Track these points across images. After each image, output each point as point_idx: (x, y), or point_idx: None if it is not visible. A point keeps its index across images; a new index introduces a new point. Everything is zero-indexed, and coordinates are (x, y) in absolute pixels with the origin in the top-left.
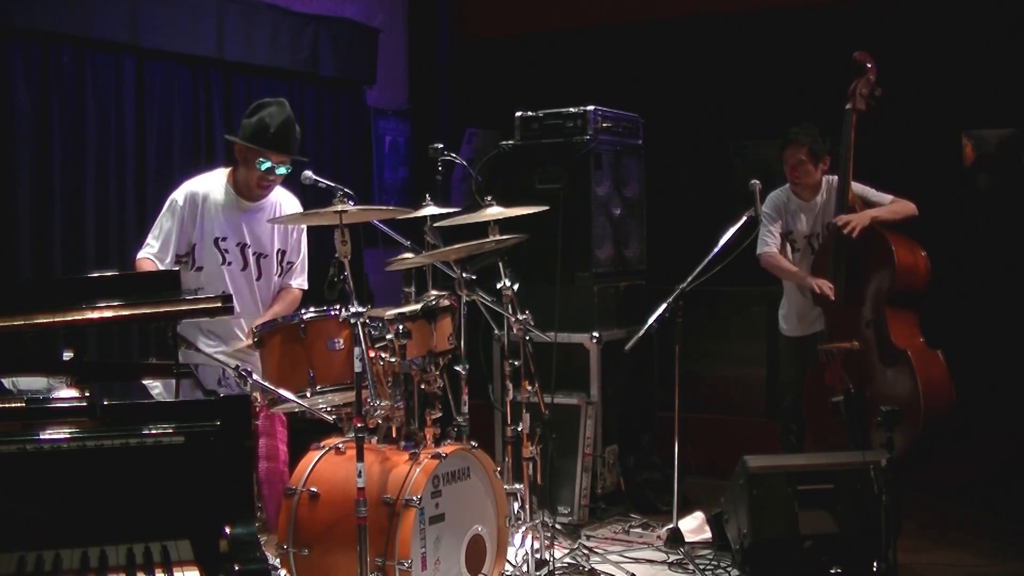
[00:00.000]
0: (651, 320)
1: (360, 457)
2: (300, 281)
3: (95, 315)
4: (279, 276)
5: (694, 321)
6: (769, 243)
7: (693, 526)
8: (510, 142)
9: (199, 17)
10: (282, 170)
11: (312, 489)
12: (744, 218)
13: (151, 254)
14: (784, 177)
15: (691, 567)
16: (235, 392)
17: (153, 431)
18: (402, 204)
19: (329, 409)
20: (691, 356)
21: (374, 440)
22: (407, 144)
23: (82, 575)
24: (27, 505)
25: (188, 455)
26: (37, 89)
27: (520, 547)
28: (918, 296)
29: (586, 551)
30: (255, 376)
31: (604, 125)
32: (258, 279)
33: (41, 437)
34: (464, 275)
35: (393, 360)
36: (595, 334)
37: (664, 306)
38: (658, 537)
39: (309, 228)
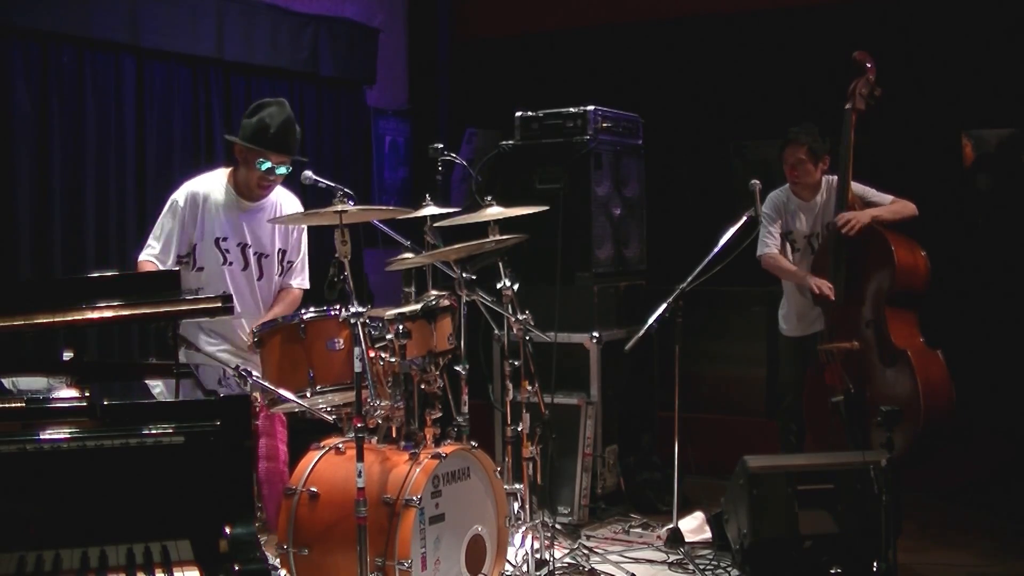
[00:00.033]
0: (651, 320)
1: (360, 457)
2: (300, 281)
3: (95, 315)
4: (280, 276)
5: (694, 321)
6: (769, 244)
7: (693, 526)
8: (510, 142)
9: (199, 17)
10: (282, 170)
11: (312, 489)
12: (744, 218)
13: (152, 255)
14: (784, 177)
15: (691, 567)
16: (235, 392)
17: (153, 431)
18: (402, 204)
19: (329, 409)
20: (691, 356)
21: (374, 440)
22: (407, 144)
23: (82, 575)
24: (27, 505)
25: (188, 455)
26: (37, 89)
27: (520, 547)
28: (918, 296)
29: (586, 551)
30: (255, 376)
31: (604, 125)
32: (259, 279)
33: (41, 437)
34: (464, 275)
35: (393, 360)
36: (595, 334)
37: (664, 306)
38: (658, 537)
39: (309, 228)
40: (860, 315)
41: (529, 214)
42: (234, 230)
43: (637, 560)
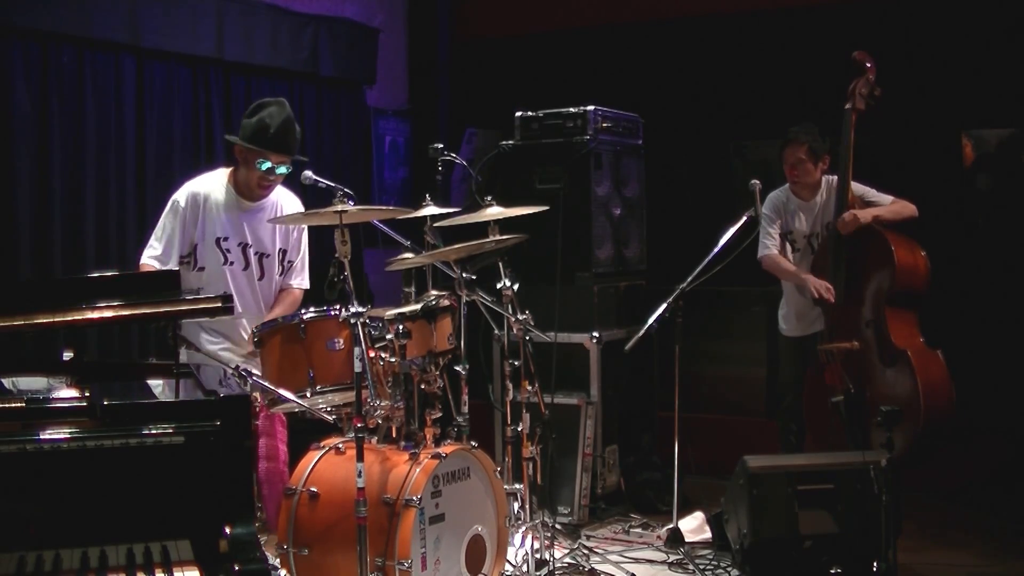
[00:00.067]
0: (651, 320)
1: (360, 457)
2: (300, 280)
3: (95, 315)
4: (280, 275)
5: (694, 321)
6: (769, 245)
7: (693, 526)
8: (510, 142)
9: (199, 17)
10: (282, 170)
11: (312, 489)
12: (744, 218)
13: (154, 256)
14: (784, 177)
15: (691, 567)
16: (235, 392)
17: (153, 431)
18: (402, 204)
19: (329, 409)
20: (691, 356)
21: (374, 440)
22: (407, 144)
23: (82, 575)
24: (27, 505)
25: (188, 455)
26: (37, 89)
27: (520, 547)
28: (918, 296)
29: (586, 551)
30: (255, 376)
31: (604, 125)
32: (260, 279)
33: (41, 437)
34: (464, 275)
35: (393, 360)
36: (595, 334)
37: (664, 306)
38: (658, 537)
39: (309, 228)
40: (860, 315)
41: (529, 214)
42: (235, 230)
43: (637, 560)
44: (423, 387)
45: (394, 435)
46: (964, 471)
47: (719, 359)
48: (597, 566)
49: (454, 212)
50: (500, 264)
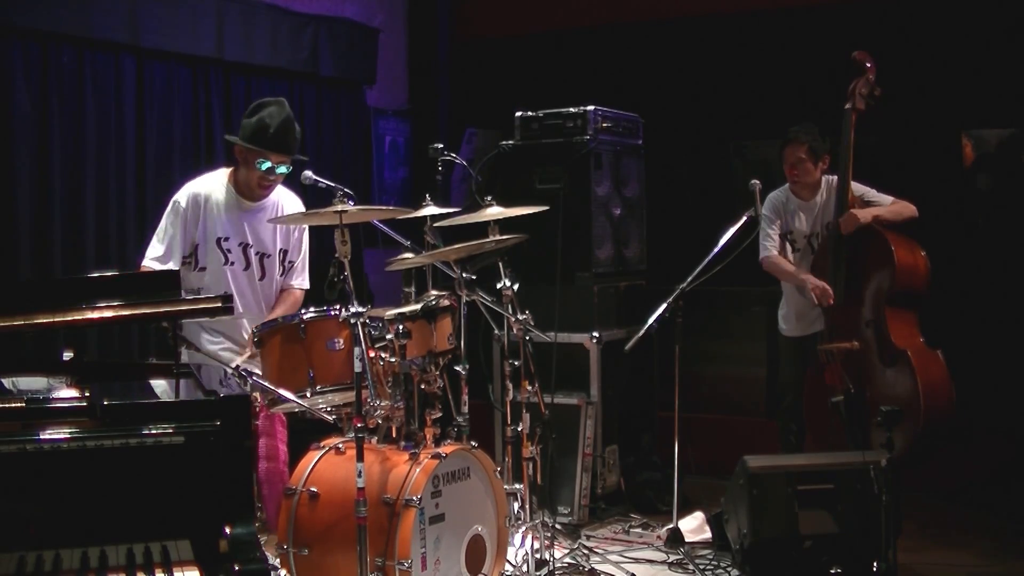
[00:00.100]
0: (651, 320)
1: (360, 457)
2: (301, 280)
3: (95, 315)
4: (282, 275)
5: (694, 321)
6: (768, 247)
7: (693, 526)
8: (510, 142)
9: (199, 17)
10: (282, 169)
11: (312, 489)
12: (744, 218)
13: (155, 257)
14: (784, 177)
15: (691, 567)
16: (235, 392)
17: (153, 431)
18: (402, 204)
19: (329, 409)
20: (691, 356)
21: (374, 440)
22: (407, 144)
23: (82, 575)
24: (27, 505)
25: (188, 455)
26: (37, 89)
27: (520, 547)
28: (918, 296)
29: (586, 551)
30: (255, 376)
31: (604, 125)
32: (261, 279)
33: (41, 437)
34: (464, 275)
35: (393, 360)
36: (595, 334)
37: (664, 306)
38: (658, 537)
39: (309, 228)
40: (860, 315)
41: (529, 214)
42: (236, 230)
43: (637, 560)
44: (423, 387)
45: (394, 435)
46: (964, 471)
47: (719, 359)
48: (597, 566)
49: (454, 212)
50: (500, 264)
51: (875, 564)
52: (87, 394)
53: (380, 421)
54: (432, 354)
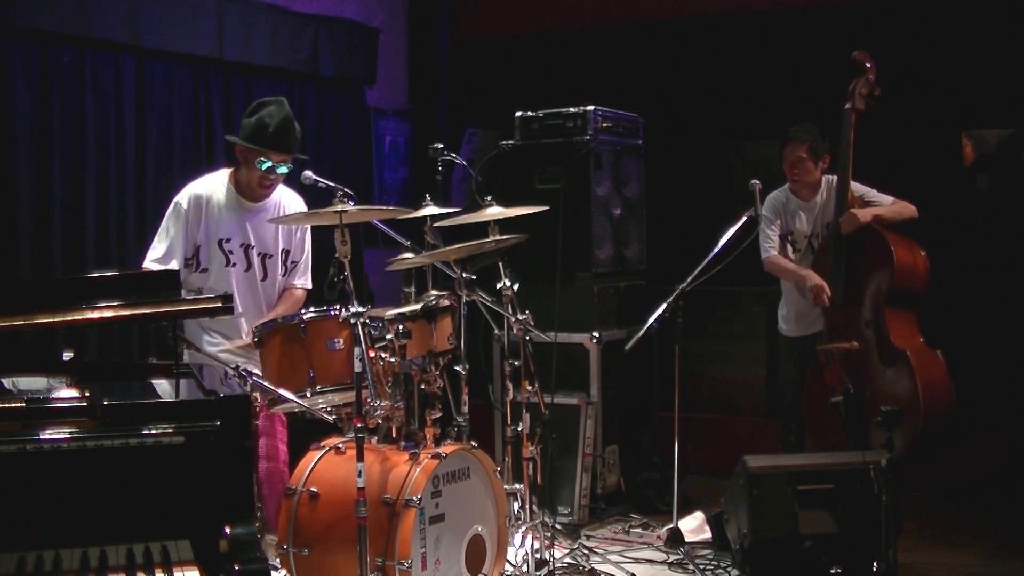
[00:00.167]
0: (651, 320)
1: (360, 457)
2: (303, 281)
3: (95, 315)
4: (284, 276)
5: (694, 321)
6: (768, 247)
7: (693, 526)
8: (510, 142)
9: (199, 17)
10: (283, 169)
11: (312, 489)
12: (744, 218)
13: (156, 259)
14: (784, 177)
15: (691, 567)
16: (235, 392)
17: (153, 431)
18: (402, 204)
19: (329, 409)
20: (691, 356)
21: (374, 440)
22: (407, 144)
23: (82, 575)
24: (27, 505)
25: (188, 455)
26: (37, 89)
27: (520, 547)
28: (917, 296)
29: (586, 551)
30: (255, 376)
31: (604, 125)
32: (263, 280)
33: (41, 437)
34: (464, 275)
35: (393, 360)
36: (595, 334)
37: (664, 306)
38: (658, 537)
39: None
40: (860, 315)
41: (529, 214)
42: (237, 231)
43: (637, 560)
44: (423, 387)
45: (394, 435)
46: (964, 471)
47: (719, 359)
48: (597, 566)
49: (454, 212)
50: (500, 264)
51: (875, 564)
52: (87, 394)
53: (380, 421)
54: (432, 354)
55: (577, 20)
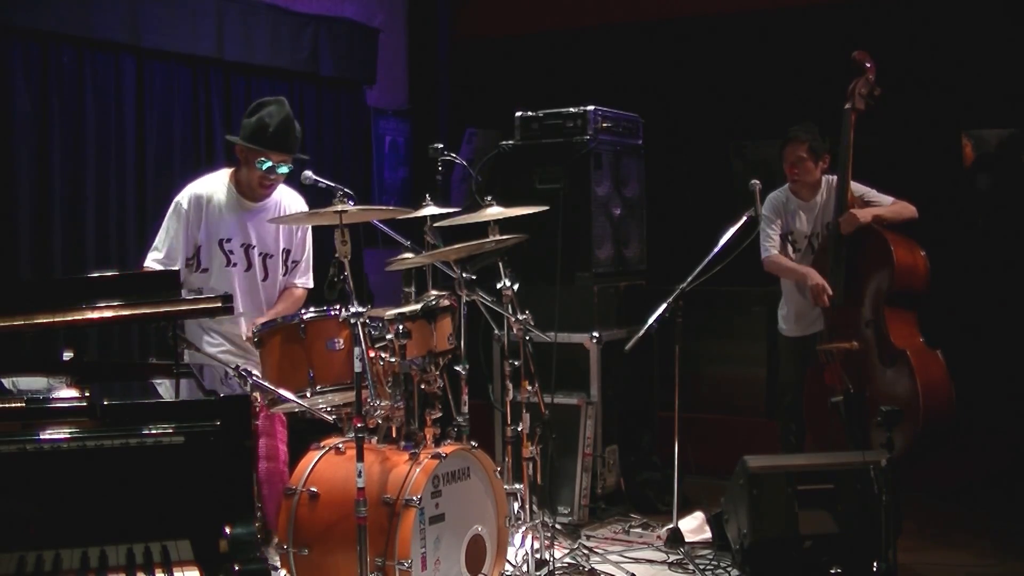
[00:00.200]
0: (651, 320)
1: (360, 457)
2: (305, 280)
3: (95, 315)
4: (284, 276)
5: (694, 321)
6: (769, 247)
7: (693, 526)
8: (510, 142)
9: (199, 17)
10: (283, 169)
11: (312, 489)
12: (744, 218)
13: (157, 259)
14: (784, 177)
15: (691, 567)
16: (235, 392)
17: (153, 431)
18: (402, 204)
19: (329, 409)
20: (691, 356)
21: (374, 440)
22: (407, 144)
23: (82, 575)
24: (27, 505)
25: (188, 455)
26: (37, 89)
27: (520, 547)
28: (917, 296)
29: (586, 551)
30: (255, 376)
31: (604, 125)
32: (264, 280)
33: (41, 437)
34: (464, 275)
35: (393, 360)
36: (595, 334)
37: (664, 306)
38: (658, 537)
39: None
40: (860, 315)
41: (529, 214)
42: (238, 231)
43: (637, 560)
44: (423, 387)
45: (394, 435)
46: (964, 471)
47: (719, 359)
48: (597, 566)
49: (454, 212)
50: (500, 264)
51: (875, 564)
52: (87, 394)
53: (380, 421)
54: (432, 354)
55: (577, 20)
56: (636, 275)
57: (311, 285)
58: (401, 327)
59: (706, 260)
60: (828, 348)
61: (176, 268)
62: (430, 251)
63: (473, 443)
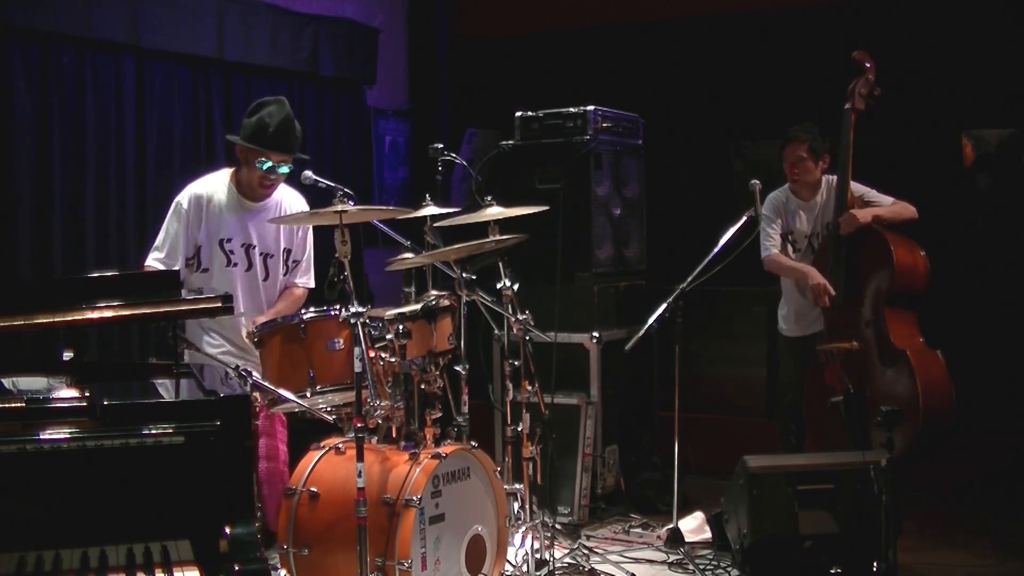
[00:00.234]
0: (651, 320)
1: (360, 457)
2: (306, 280)
3: (95, 315)
4: (285, 275)
5: (694, 321)
6: (769, 246)
7: (693, 526)
8: (510, 142)
9: (199, 17)
10: (284, 169)
11: (312, 489)
12: (744, 218)
13: (157, 259)
14: (784, 177)
15: (691, 567)
16: (235, 392)
17: (153, 431)
18: (402, 204)
19: (329, 409)
20: (691, 356)
21: (374, 440)
22: (407, 144)
23: (82, 575)
24: (27, 505)
25: (188, 455)
26: (37, 89)
27: (520, 547)
28: (917, 296)
29: (586, 551)
30: (255, 376)
31: (604, 125)
32: (265, 279)
33: (41, 437)
34: (464, 275)
35: (393, 360)
36: (595, 334)
37: (664, 306)
38: (658, 537)
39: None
40: (859, 315)
41: (529, 214)
42: (238, 231)
43: (637, 560)
44: (423, 387)
45: (394, 435)
46: (964, 471)
47: (719, 359)
48: (597, 566)
49: (454, 212)
50: (500, 264)
51: (875, 564)
52: (87, 394)
53: (380, 421)
54: (432, 354)
55: (577, 20)
56: (636, 275)
57: (312, 285)
58: (401, 327)
59: (706, 260)
60: (828, 348)
61: (176, 268)
62: (430, 251)
63: (473, 443)
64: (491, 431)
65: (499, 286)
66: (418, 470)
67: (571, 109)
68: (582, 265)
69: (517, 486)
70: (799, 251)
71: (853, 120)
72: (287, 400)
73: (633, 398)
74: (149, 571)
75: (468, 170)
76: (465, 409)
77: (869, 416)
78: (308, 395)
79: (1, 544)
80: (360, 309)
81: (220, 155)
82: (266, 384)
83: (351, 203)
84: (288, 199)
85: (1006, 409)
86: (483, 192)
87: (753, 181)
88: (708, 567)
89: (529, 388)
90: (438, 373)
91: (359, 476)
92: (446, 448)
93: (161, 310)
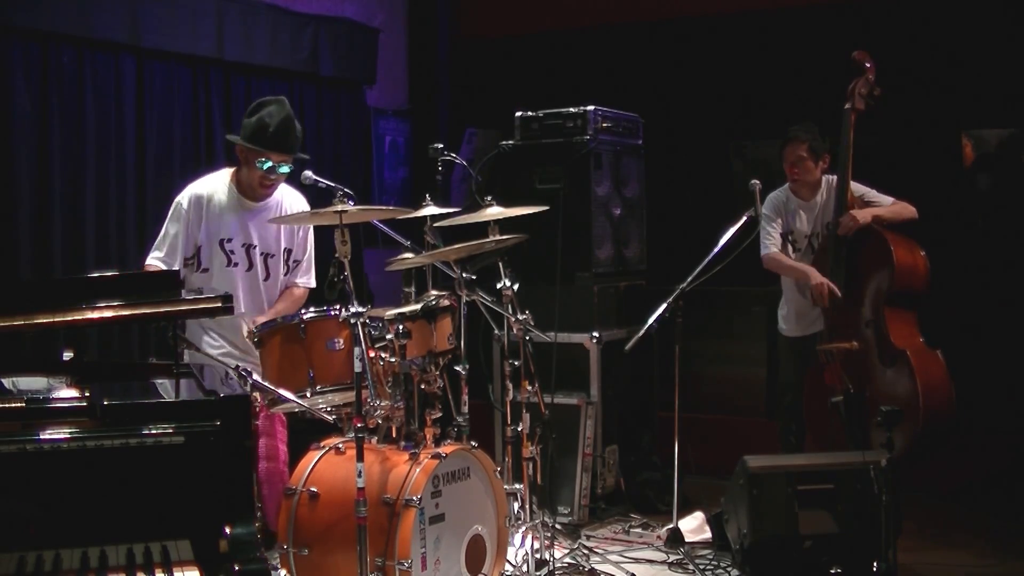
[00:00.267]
0: (651, 320)
1: (360, 457)
2: (306, 279)
3: (95, 315)
4: (286, 275)
5: (694, 321)
6: (769, 245)
7: (693, 526)
8: (510, 142)
9: (199, 17)
10: (284, 169)
11: (312, 489)
12: (744, 218)
13: (158, 259)
14: (784, 177)
15: (691, 567)
16: (235, 392)
17: (153, 431)
18: (402, 204)
19: (329, 409)
20: (691, 356)
21: (374, 440)
22: (407, 144)
23: (82, 575)
24: (27, 505)
25: (188, 455)
26: (37, 89)
27: (520, 547)
28: (917, 296)
29: (586, 551)
30: (255, 376)
31: (604, 125)
32: (265, 279)
33: (41, 437)
34: (464, 275)
35: (393, 360)
36: (595, 334)
37: (664, 306)
38: (658, 537)
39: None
40: (859, 315)
41: (529, 214)
42: (239, 231)
43: (637, 560)
44: (423, 387)
45: (394, 435)
46: (964, 471)
47: (719, 359)
48: (597, 566)
49: (454, 212)
50: (500, 264)
51: (875, 564)
52: (87, 394)
53: (380, 421)
54: (432, 354)
55: (577, 20)
56: (636, 275)
57: (313, 284)
58: (401, 327)
59: (706, 260)
60: (828, 348)
61: (176, 268)
62: (430, 251)
63: (473, 443)
64: (491, 431)
65: (499, 286)
66: (418, 470)
67: (571, 109)
68: (582, 265)
69: (517, 486)
70: (799, 251)
71: (853, 120)
72: (287, 400)
73: (633, 398)
74: (149, 571)
75: (468, 170)
76: (465, 409)
77: (869, 416)
78: (308, 395)
79: (1, 544)
80: (360, 309)
81: (220, 155)
82: (266, 384)
83: (351, 203)
84: (288, 199)
85: (1006, 409)
86: (483, 192)
87: (753, 181)
88: (708, 567)
89: (529, 388)
90: (438, 373)
91: (359, 476)
92: (446, 448)
93: (161, 310)
